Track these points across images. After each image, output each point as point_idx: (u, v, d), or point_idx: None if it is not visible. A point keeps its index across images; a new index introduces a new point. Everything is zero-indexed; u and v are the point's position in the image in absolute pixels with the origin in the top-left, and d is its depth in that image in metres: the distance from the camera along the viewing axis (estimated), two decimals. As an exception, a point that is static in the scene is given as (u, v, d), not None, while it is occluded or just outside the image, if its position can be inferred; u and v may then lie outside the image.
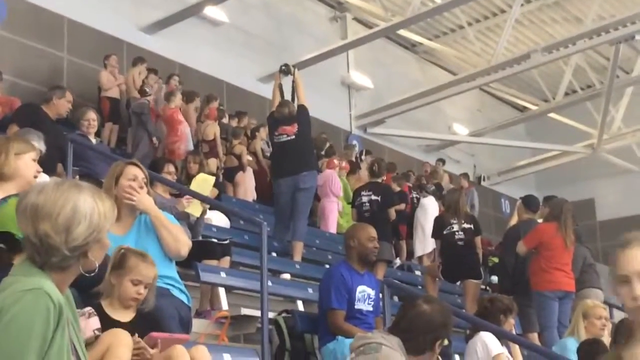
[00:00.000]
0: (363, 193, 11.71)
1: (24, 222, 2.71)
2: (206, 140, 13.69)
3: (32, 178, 4.91)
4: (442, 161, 19.94)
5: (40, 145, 6.37)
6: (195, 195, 8.12)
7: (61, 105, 9.33)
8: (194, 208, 8.37)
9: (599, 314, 7.53)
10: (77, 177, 8.76)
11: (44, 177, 5.80)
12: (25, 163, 4.94)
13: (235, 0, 16.52)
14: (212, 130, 13.77)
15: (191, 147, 12.90)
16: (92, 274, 2.82)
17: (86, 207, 2.70)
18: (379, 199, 11.50)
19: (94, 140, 10.13)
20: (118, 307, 4.39)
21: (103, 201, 2.78)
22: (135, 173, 5.08)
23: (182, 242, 5.03)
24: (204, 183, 8.64)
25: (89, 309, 4.09)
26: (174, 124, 13.00)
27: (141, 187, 5.05)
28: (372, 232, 7.13)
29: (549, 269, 9.15)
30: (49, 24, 14.26)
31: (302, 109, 11.03)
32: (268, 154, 14.12)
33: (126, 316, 4.39)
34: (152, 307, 4.45)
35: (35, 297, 2.55)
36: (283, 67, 11.71)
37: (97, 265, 2.79)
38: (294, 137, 10.77)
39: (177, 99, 13.32)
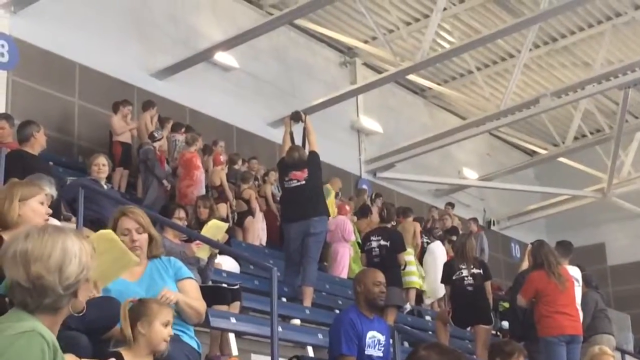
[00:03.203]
0: (372, 238, 11.73)
1: (14, 268, 2.72)
2: (214, 186, 13.71)
3: (42, 222, 4.72)
4: (451, 205, 19.85)
5: (52, 190, 6.29)
6: (205, 240, 8.12)
7: (42, 138, 9.16)
8: (201, 251, 8.37)
9: None
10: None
11: (53, 221, 5.77)
12: (32, 208, 4.81)
13: (245, 46, 16.62)
14: (218, 176, 13.77)
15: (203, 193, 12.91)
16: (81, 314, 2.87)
17: (75, 247, 2.76)
18: (388, 244, 11.50)
19: (105, 186, 10.12)
20: (141, 355, 4.40)
21: (86, 242, 2.85)
22: (127, 227, 5.01)
23: (202, 312, 5.09)
24: (216, 229, 8.61)
25: None
26: (191, 168, 13.00)
27: (134, 241, 4.97)
28: (379, 276, 7.10)
29: (550, 314, 9.09)
30: (60, 69, 14.34)
31: (313, 154, 11.04)
32: (279, 198, 14.11)
33: None
34: (166, 353, 4.50)
35: (28, 340, 2.56)
36: (294, 114, 11.65)
37: (84, 305, 2.83)
38: (304, 182, 10.77)
39: (198, 144, 13.39)
